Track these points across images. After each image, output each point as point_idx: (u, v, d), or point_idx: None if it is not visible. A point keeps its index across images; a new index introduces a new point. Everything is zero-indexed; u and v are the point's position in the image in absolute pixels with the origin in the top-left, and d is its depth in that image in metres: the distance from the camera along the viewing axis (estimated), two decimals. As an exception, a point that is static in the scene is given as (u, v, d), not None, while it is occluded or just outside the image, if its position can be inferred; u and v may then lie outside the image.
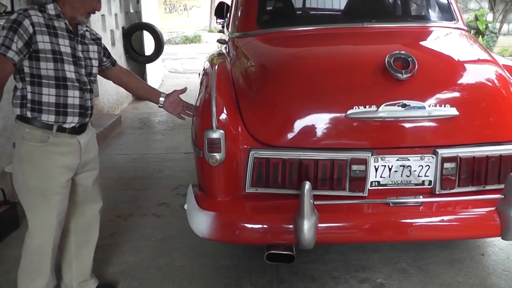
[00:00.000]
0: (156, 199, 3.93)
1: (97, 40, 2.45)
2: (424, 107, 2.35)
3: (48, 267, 2.37)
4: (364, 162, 2.37)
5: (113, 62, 2.59)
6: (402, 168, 2.43)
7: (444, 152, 2.39)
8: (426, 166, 2.43)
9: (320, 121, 2.40)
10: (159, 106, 2.66)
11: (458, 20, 3.27)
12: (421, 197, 2.43)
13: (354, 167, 2.38)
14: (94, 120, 5.48)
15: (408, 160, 2.42)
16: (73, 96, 2.25)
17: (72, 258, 2.59)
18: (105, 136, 5.35)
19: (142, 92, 2.74)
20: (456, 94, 2.49)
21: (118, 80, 2.69)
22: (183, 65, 11.47)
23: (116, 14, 6.53)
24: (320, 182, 2.40)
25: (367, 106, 2.34)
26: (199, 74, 3.51)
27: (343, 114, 2.36)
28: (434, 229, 2.41)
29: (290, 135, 2.41)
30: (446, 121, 2.38)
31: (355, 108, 2.35)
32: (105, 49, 2.53)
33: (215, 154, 2.35)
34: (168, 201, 3.89)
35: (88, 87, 2.34)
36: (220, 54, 3.36)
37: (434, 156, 2.39)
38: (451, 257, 3.05)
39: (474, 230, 2.44)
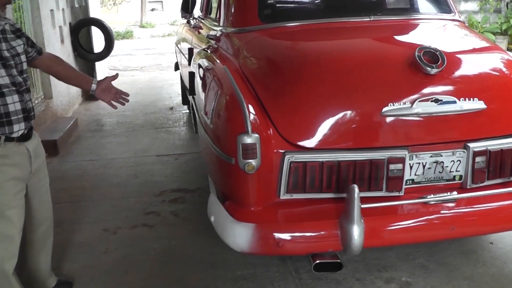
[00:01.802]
0: (141, 208, 3.65)
1: (17, 32, 2.22)
2: (455, 102, 2.30)
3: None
4: (402, 160, 2.29)
5: (39, 51, 2.38)
6: (435, 164, 2.37)
7: (475, 146, 2.36)
8: (457, 161, 2.38)
9: (355, 120, 2.28)
10: (91, 93, 2.46)
11: (455, 13, 3.27)
12: (455, 192, 2.38)
13: (392, 166, 2.29)
14: (51, 125, 5.08)
15: (441, 156, 2.36)
16: (13, 102, 2.06)
17: (31, 264, 2.45)
18: (65, 142, 4.94)
19: (74, 80, 2.53)
20: (482, 86, 2.46)
21: (47, 69, 2.49)
22: (121, 62, 10.97)
23: (63, 9, 6.05)
24: (357, 184, 2.28)
25: (401, 103, 2.25)
26: (181, 73, 3.27)
27: (378, 112, 2.25)
28: (474, 225, 2.38)
29: (326, 136, 2.26)
30: (475, 114, 2.35)
31: (390, 105, 2.25)
32: (27, 38, 2.29)
33: (250, 160, 2.16)
34: (155, 209, 3.62)
35: (25, 87, 2.15)
36: (215, 51, 3.14)
37: (465, 150, 2.36)
38: (463, 248, 3.03)
39: (509, 223, 2.43)
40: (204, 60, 3.10)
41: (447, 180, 2.42)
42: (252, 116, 2.22)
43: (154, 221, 3.44)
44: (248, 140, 2.15)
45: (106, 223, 3.41)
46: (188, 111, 6.21)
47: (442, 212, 2.32)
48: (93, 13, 7.24)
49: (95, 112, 6.32)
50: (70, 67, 2.56)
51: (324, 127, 2.26)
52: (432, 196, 2.34)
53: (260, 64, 2.62)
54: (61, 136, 4.78)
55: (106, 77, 2.49)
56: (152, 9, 21.91)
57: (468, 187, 2.42)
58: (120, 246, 3.12)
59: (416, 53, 2.31)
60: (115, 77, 2.52)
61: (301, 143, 2.25)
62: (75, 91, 6.30)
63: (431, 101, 2.28)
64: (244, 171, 2.18)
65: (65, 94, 5.71)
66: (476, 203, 2.38)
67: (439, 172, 2.40)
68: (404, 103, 2.26)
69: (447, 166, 2.39)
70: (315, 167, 2.23)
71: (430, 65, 2.29)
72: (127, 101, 2.55)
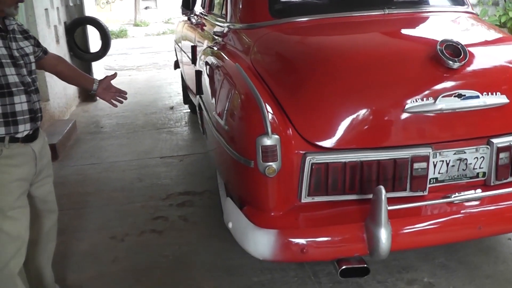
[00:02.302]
0: (148, 212, 3.53)
1: (25, 33, 2.18)
2: (478, 96, 2.21)
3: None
4: (426, 159, 2.19)
5: (45, 50, 2.35)
6: (459, 162, 2.28)
7: (499, 141, 2.28)
8: (481, 157, 2.30)
9: (377, 117, 2.18)
10: (91, 93, 2.48)
11: (468, 5, 3.18)
12: (479, 190, 2.30)
13: (416, 165, 2.19)
14: (49, 128, 4.94)
15: (465, 153, 2.27)
16: (20, 102, 2.02)
17: (33, 270, 2.37)
18: (64, 145, 4.81)
19: (77, 79, 2.54)
20: (505, 80, 2.36)
21: (52, 69, 2.46)
22: (116, 61, 10.83)
23: (58, 8, 5.90)
24: (381, 184, 2.18)
25: (424, 99, 2.16)
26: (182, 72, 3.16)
27: (401, 109, 2.16)
28: (501, 223, 2.29)
29: (347, 136, 2.16)
30: (497, 109, 2.27)
31: (413, 101, 2.15)
32: (34, 39, 2.25)
33: (271, 163, 2.06)
34: (163, 214, 3.51)
35: (33, 87, 2.10)
36: (222, 48, 3.02)
37: (488, 146, 2.28)
38: (482, 246, 2.95)
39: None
40: (212, 57, 2.98)
41: (471, 178, 2.34)
42: (270, 116, 2.11)
43: (163, 226, 3.33)
44: (268, 141, 2.04)
45: (112, 230, 3.29)
46: (189, 110, 6.09)
47: (468, 211, 2.24)
48: (88, 12, 7.09)
49: (93, 113, 6.19)
50: (72, 66, 2.55)
51: (346, 126, 2.16)
52: (457, 194, 2.25)
53: (275, 61, 2.50)
54: (59, 139, 4.65)
55: (106, 76, 2.50)
56: (146, 7, 21.71)
57: (492, 184, 2.34)
58: (129, 254, 3.01)
59: (438, 47, 2.21)
60: (114, 76, 2.52)
61: (322, 143, 2.15)
62: (72, 92, 6.16)
63: (454, 96, 2.19)
64: (264, 175, 2.08)
65: (62, 96, 5.57)
66: (502, 201, 2.30)
67: (463, 169, 2.31)
68: (428, 99, 2.17)
69: (470, 163, 2.30)
70: (337, 168, 2.13)
71: (453, 59, 2.20)
72: (125, 98, 2.57)
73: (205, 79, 3.07)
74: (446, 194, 2.27)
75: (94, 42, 6.87)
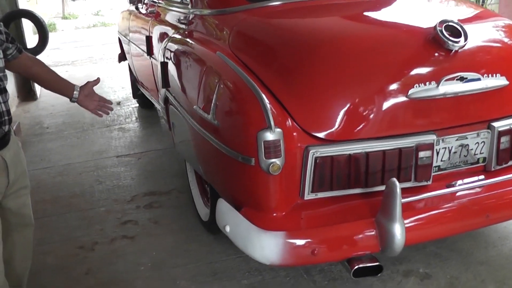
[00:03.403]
0: (115, 217, 3.26)
1: None
2: (479, 79, 2.13)
3: None
4: (431, 146, 2.10)
5: (20, 49, 2.03)
6: (460, 148, 2.21)
7: (499, 125, 2.22)
8: (481, 142, 2.24)
9: (381, 105, 2.05)
10: (72, 101, 2.17)
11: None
12: (482, 176, 2.24)
13: (421, 154, 2.09)
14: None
15: (466, 138, 2.20)
16: None
17: None
18: (9, 149, 4.38)
19: (55, 85, 2.18)
20: (504, 61, 2.29)
21: (27, 71, 2.13)
22: (49, 56, 10.01)
23: (-11, 1, 5.40)
24: (386, 176, 2.06)
25: (427, 83, 2.05)
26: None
27: (405, 95, 2.04)
28: (507, 209, 2.22)
29: (350, 126, 2.02)
30: (498, 91, 2.20)
31: (416, 86, 2.04)
32: (7, 34, 1.94)
33: (274, 160, 1.88)
34: (131, 217, 3.25)
35: (1, 86, 1.83)
36: (189, 36, 2.79)
37: (489, 131, 2.21)
38: (470, 232, 2.89)
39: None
40: (180, 47, 2.75)
41: (471, 164, 2.27)
42: (271, 108, 1.93)
43: (134, 231, 3.08)
44: (271, 136, 1.86)
45: (79, 240, 3.00)
46: (137, 105, 5.78)
47: (474, 199, 2.16)
48: (22, 5, 6.55)
49: (35, 113, 5.74)
50: (50, 70, 2.18)
51: (348, 115, 2.01)
52: (462, 182, 2.18)
53: (263, 48, 2.31)
54: (5, 143, 4.23)
55: (88, 82, 2.22)
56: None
57: (493, 169, 2.29)
58: (102, 265, 2.74)
59: (438, 27, 2.10)
60: (96, 81, 2.25)
61: (324, 135, 1.99)
62: (10, 92, 5.67)
63: (457, 79, 2.10)
64: (266, 172, 1.90)
65: None
66: (507, 186, 2.23)
67: (464, 156, 2.24)
68: (430, 83, 2.06)
69: (471, 149, 2.24)
70: (342, 161, 1.99)
71: (453, 40, 2.10)
72: (111, 109, 2.33)
73: (174, 71, 2.84)
74: (449, 183, 2.19)
75: (30, 36, 6.37)
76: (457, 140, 2.18)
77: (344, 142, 2.00)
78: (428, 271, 2.58)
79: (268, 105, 1.87)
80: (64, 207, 3.43)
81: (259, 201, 1.98)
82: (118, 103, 6.08)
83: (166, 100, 3.08)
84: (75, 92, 2.14)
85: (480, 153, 2.25)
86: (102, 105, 2.25)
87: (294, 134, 1.96)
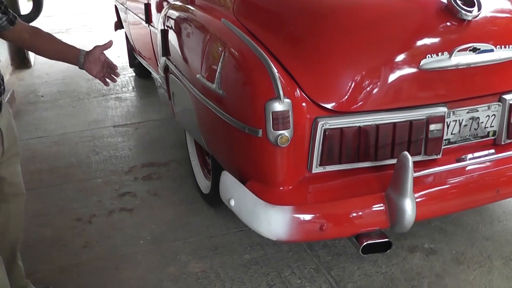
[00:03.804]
0: (113, 189, 3.19)
1: None
2: (492, 50, 2.06)
3: None
4: (442, 119, 2.03)
5: (12, 20, 1.85)
6: (471, 121, 2.14)
7: (511, 98, 2.13)
8: (492, 115, 2.17)
9: (392, 75, 1.97)
10: (80, 68, 2.00)
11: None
12: (493, 150, 2.17)
13: (432, 127, 2.02)
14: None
15: (477, 111, 2.13)
16: None
17: None
18: (3, 118, 4.28)
19: (55, 53, 2.00)
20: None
21: (22, 43, 1.98)
22: (43, 24, 9.82)
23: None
24: (396, 149, 1.99)
25: (439, 54, 1.96)
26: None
27: (416, 65, 1.95)
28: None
29: (361, 97, 1.94)
30: (510, 63, 2.12)
31: (428, 57, 1.95)
32: (1, 2, 1.78)
33: (283, 131, 1.80)
34: (129, 189, 3.18)
35: None
36: (192, 2, 2.68)
37: (500, 103, 2.15)
38: (474, 206, 2.87)
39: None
40: (182, 14, 2.64)
41: (481, 137, 2.21)
42: (280, 78, 1.84)
43: (132, 203, 3.01)
44: (280, 107, 1.78)
45: (77, 211, 2.94)
46: (134, 74, 5.65)
47: (485, 173, 2.10)
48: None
49: (30, 81, 5.60)
50: (51, 38, 1.99)
51: (358, 86, 1.93)
52: (472, 156, 2.11)
53: (270, 14, 2.20)
54: (-2, 112, 4.12)
55: (96, 47, 1.99)
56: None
57: (503, 142, 2.23)
58: (101, 238, 2.68)
59: (451, -5, 2.00)
60: (106, 46, 2.01)
61: (333, 107, 1.91)
62: (3, 59, 5.53)
63: (469, 50, 2.01)
64: (274, 145, 1.82)
65: (-7, 63, 4.97)
66: (516, 160, 2.17)
67: (474, 129, 2.18)
68: (443, 54, 1.97)
69: (482, 122, 2.17)
70: (352, 133, 1.91)
71: (467, 9, 2.00)
72: (118, 75, 2.12)
73: (175, 39, 2.73)
74: (459, 157, 2.12)
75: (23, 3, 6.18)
76: (468, 113, 2.11)
77: (354, 114, 1.92)
78: (433, 246, 2.54)
79: (277, 74, 1.78)
80: (61, 178, 3.35)
81: (266, 175, 1.91)
82: (114, 72, 5.94)
83: (166, 69, 2.98)
84: (80, 59, 1.96)
85: (491, 126, 2.19)
86: (109, 72, 2.06)
87: (303, 105, 1.87)
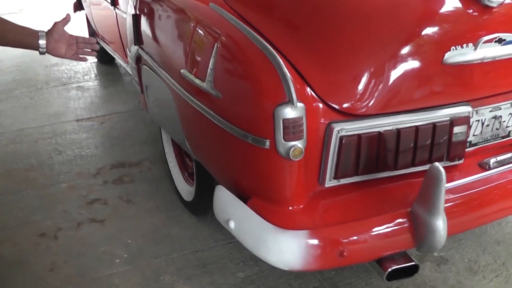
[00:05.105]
0: (80, 195, 2.83)
1: None
2: None
3: None
4: (467, 120, 1.78)
5: None
6: (493, 120, 1.90)
7: None
8: None
9: (413, 71, 1.69)
10: (41, 52, 1.70)
11: None
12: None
13: (456, 129, 1.76)
14: None
15: (500, 109, 1.90)
16: None
17: None
18: (-51, 113, 3.83)
19: (9, 39, 1.67)
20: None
21: None
22: None
23: None
24: (418, 156, 1.73)
25: (464, 46, 1.69)
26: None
27: (440, 60, 1.68)
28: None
29: (381, 97, 1.64)
30: None
31: (453, 50, 1.68)
32: None
33: (295, 142, 1.50)
34: (99, 195, 2.82)
35: None
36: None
37: None
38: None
39: None
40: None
41: (502, 138, 1.98)
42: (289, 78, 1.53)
43: (104, 213, 2.66)
44: (293, 113, 1.47)
45: (40, 225, 2.57)
46: (96, 60, 5.21)
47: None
48: None
49: (-23, 70, 5.10)
50: (2, 21, 1.64)
51: (378, 85, 1.63)
52: (495, 160, 1.90)
53: (272, 3, 1.85)
54: None
55: (55, 23, 1.70)
56: None
57: None
58: (69, 257, 2.33)
59: (476, -19, 1.73)
60: (66, 19, 1.74)
61: (350, 109, 1.61)
62: None
63: (495, 41, 1.75)
64: (284, 158, 1.52)
65: None
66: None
67: (496, 129, 1.95)
68: (468, 46, 1.70)
69: (504, 121, 1.94)
70: (372, 139, 1.63)
71: None
72: (97, 48, 1.84)
73: (150, 27, 2.37)
74: (481, 161, 1.89)
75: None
76: (490, 111, 1.87)
77: (372, 117, 1.63)
78: (444, 254, 2.32)
79: (288, 74, 1.47)
80: (20, 183, 2.96)
81: (273, 192, 1.60)
82: (74, 58, 5.47)
83: (138, 59, 2.62)
84: (40, 42, 1.65)
85: None
86: (82, 47, 1.78)
87: (316, 108, 1.57)
